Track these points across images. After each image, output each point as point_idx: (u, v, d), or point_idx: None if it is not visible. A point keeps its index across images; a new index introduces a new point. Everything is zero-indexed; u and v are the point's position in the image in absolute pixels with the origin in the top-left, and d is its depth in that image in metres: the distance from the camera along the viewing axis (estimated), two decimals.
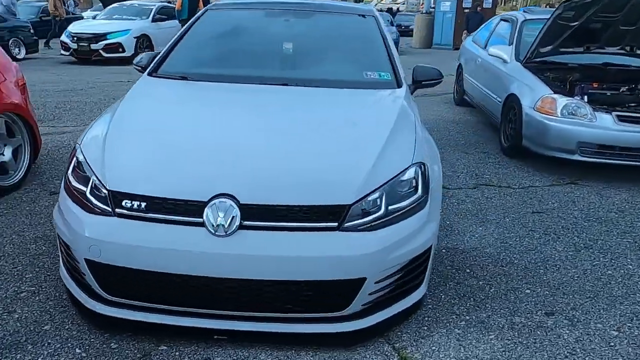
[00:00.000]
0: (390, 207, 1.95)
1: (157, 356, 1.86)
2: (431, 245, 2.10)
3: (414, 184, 2.07)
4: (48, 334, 1.96)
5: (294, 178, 1.92)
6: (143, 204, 1.85)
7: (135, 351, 1.88)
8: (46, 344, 1.90)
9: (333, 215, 1.84)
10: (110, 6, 13.35)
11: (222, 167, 1.95)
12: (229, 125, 2.28)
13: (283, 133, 2.21)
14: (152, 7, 12.42)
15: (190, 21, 3.31)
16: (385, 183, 1.96)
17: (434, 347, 1.98)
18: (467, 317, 2.17)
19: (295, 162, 2.00)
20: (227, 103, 2.57)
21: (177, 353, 1.88)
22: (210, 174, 1.92)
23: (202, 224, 1.80)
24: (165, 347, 1.90)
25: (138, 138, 2.15)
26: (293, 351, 1.90)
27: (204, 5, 11.84)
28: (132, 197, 1.87)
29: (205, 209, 1.80)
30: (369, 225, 1.89)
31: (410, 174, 2.06)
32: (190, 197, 1.83)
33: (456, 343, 2.00)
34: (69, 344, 1.90)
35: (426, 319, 2.15)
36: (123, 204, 1.87)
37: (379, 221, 1.91)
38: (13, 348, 1.88)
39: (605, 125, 3.95)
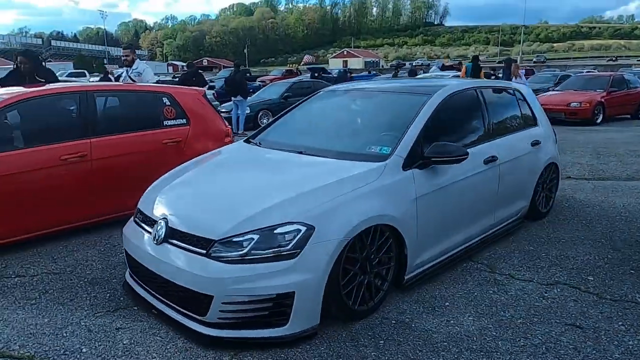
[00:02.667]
0: (254, 251, 2.50)
1: (126, 310, 2.99)
2: (294, 292, 2.47)
3: (287, 238, 2.51)
4: (108, 282, 3.39)
5: (204, 215, 2.74)
6: (141, 216, 3.07)
7: (118, 303, 3.07)
8: (98, 287, 3.33)
9: (204, 245, 2.57)
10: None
11: (178, 202, 2.97)
12: (218, 177, 3.25)
13: (237, 186, 3.01)
14: None
15: (303, 99, 4.36)
16: (253, 230, 2.53)
17: None
18: None
19: (216, 206, 2.80)
20: (243, 162, 3.52)
21: (134, 313, 2.96)
22: (169, 204, 2.96)
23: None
24: (135, 309, 3.01)
25: (174, 176, 3.37)
26: (177, 336, 2.68)
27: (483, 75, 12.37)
28: (140, 211, 3.12)
29: (155, 225, 2.86)
30: (230, 259, 2.51)
31: (285, 229, 2.53)
32: (151, 216, 2.93)
33: None
34: (100, 292, 3.27)
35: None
36: (138, 214, 3.14)
37: (238, 258, 2.50)
38: (95, 285, 3.38)
39: None
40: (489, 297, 3.13)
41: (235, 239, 2.54)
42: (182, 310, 2.69)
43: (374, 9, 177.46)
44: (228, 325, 2.56)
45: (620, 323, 2.79)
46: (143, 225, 3.02)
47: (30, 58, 5.77)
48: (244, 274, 2.47)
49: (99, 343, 2.63)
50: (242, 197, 2.83)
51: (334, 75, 27.16)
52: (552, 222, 4.61)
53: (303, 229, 2.53)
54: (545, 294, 3.16)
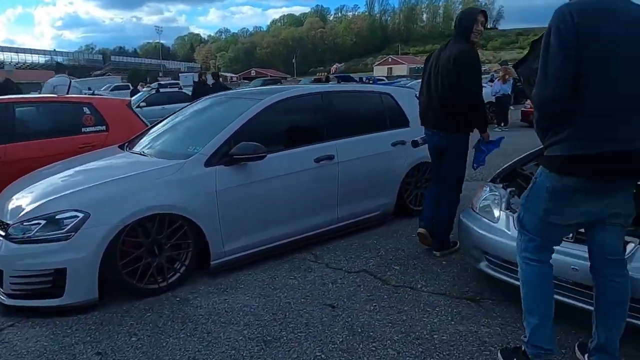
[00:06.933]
0: (38, 233, 2.99)
1: None
2: (65, 268, 2.94)
3: (66, 222, 2.99)
4: None
5: (13, 204, 3.27)
6: None
7: None
8: None
9: (5, 228, 3.09)
10: None
11: (5, 196, 3.51)
12: (54, 174, 3.78)
13: (58, 181, 3.52)
14: None
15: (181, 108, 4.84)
16: (40, 216, 3.02)
17: None
18: None
19: (28, 197, 3.31)
20: (89, 161, 4.04)
21: None
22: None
23: None
24: None
25: (30, 175, 3.94)
26: None
27: None
28: None
29: None
30: (19, 239, 3.01)
31: (65, 215, 3.01)
32: None
33: None
34: None
35: None
36: None
37: (25, 238, 3.00)
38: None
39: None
40: (286, 282, 3.44)
41: (25, 223, 3.04)
42: None
43: (424, 15, 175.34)
44: (21, 296, 3.05)
45: (371, 302, 3.04)
46: None
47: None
48: (27, 252, 2.97)
49: None
50: (51, 189, 3.34)
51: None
52: None
53: (80, 215, 3.00)
54: (339, 280, 3.44)
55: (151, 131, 4.53)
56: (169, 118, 4.65)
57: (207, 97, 4.81)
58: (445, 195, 3.84)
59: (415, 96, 5.16)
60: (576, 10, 1.90)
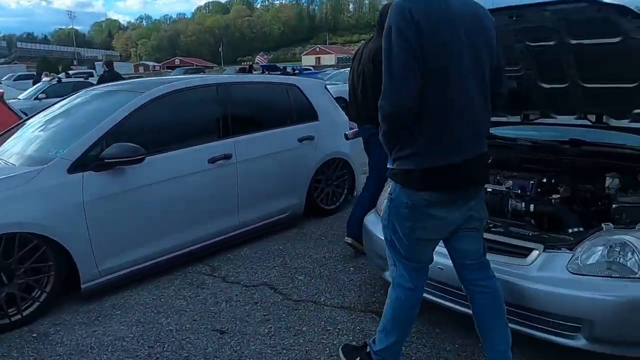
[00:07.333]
0: None
1: None
2: None
3: None
4: None
5: None
6: None
7: None
8: None
9: None
10: None
11: None
12: None
13: None
14: None
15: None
16: None
17: None
18: None
19: None
20: None
21: None
22: None
23: None
24: None
25: None
26: None
27: None
28: None
29: None
30: None
31: None
32: None
33: None
34: None
35: None
36: None
37: None
38: None
39: None
40: (173, 303, 3.00)
41: None
42: None
43: (351, 5, 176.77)
44: None
45: (261, 314, 2.68)
46: None
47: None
48: None
49: None
50: None
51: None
52: (337, 218, 4.48)
53: None
54: (235, 297, 3.04)
55: (17, 131, 3.85)
56: (38, 115, 3.98)
57: (86, 89, 4.19)
58: (366, 186, 3.60)
59: (325, 87, 4.90)
60: (414, 7, 1.69)
